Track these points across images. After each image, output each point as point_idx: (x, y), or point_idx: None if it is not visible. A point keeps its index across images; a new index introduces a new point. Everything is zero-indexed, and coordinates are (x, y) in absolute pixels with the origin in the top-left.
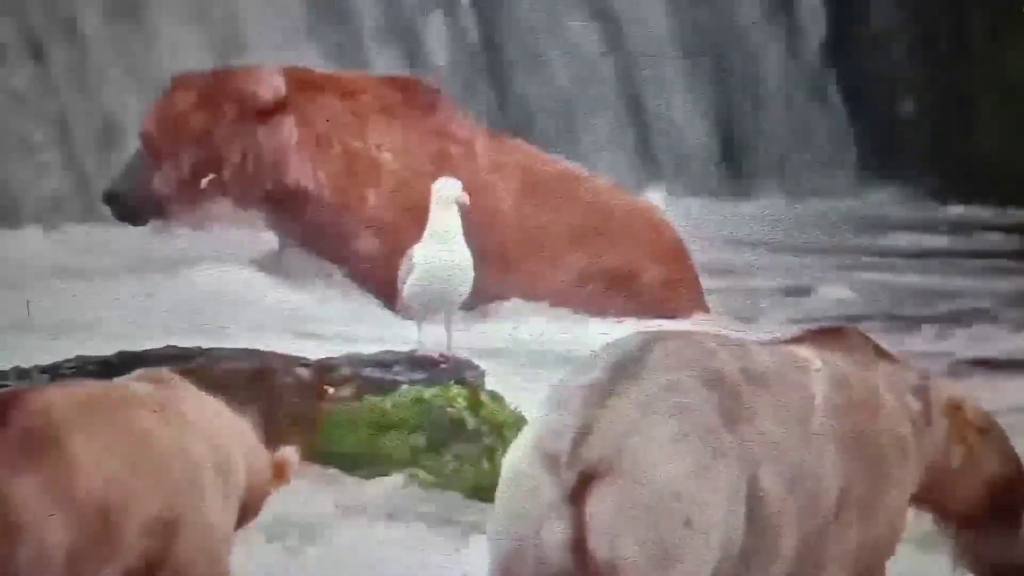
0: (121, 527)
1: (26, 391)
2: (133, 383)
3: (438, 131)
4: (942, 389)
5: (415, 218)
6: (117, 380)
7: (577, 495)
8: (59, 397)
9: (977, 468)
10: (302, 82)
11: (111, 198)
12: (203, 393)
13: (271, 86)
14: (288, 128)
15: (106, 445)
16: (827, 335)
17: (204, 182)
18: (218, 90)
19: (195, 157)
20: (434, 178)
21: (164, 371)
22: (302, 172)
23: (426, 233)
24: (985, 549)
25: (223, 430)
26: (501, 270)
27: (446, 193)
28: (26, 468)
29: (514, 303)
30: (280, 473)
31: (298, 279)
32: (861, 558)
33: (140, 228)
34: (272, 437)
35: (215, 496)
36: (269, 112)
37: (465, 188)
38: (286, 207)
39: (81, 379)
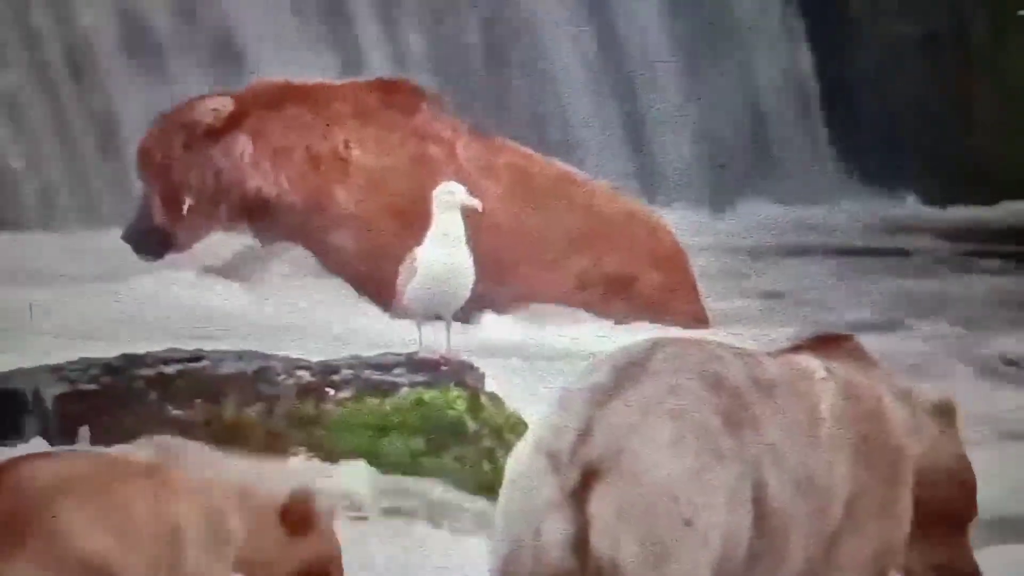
0: None
1: (7, 466)
2: (132, 452)
3: (418, 131)
4: (925, 393)
5: (393, 215)
6: (118, 450)
7: (579, 494)
8: (42, 472)
9: (960, 470)
10: (262, 97)
11: (128, 237)
12: (206, 452)
13: (209, 110)
14: (242, 143)
15: (95, 517)
16: (828, 343)
17: (184, 208)
18: (169, 123)
19: (162, 188)
20: (412, 177)
21: (168, 439)
22: (262, 181)
23: (428, 236)
24: (932, 555)
25: (218, 499)
26: (495, 273)
27: (449, 197)
28: (14, 548)
29: (512, 306)
30: (295, 528)
31: (296, 282)
32: (879, 559)
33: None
34: (272, 439)
35: (197, 569)
36: (220, 132)
37: None
38: (259, 215)
39: (87, 383)
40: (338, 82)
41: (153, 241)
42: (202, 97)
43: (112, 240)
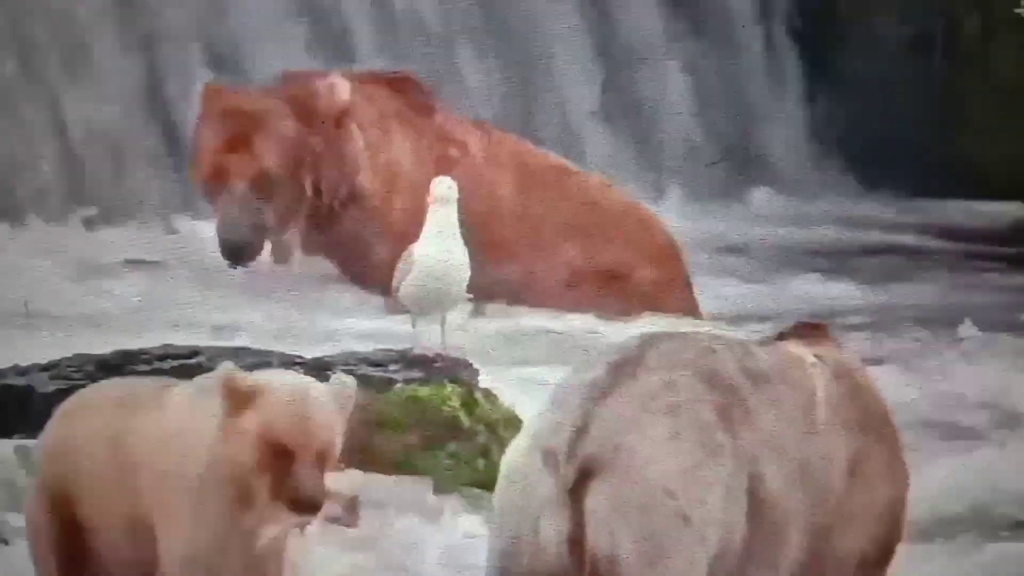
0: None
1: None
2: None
3: (438, 133)
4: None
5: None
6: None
7: (576, 491)
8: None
9: None
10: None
11: (236, 250)
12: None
13: (342, 90)
14: (356, 132)
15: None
16: (810, 330)
17: (303, 204)
18: (306, 103)
19: (314, 176)
20: None
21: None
22: (365, 177)
23: (424, 232)
24: None
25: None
26: (500, 266)
27: (443, 192)
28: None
29: (508, 301)
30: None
31: (293, 277)
32: (887, 513)
33: (127, 228)
34: None
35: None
36: (342, 117)
37: (465, 185)
38: (331, 219)
39: (82, 380)
40: (366, 77)
41: (259, 248)
42: (315, 76)
43: (102, 234)
